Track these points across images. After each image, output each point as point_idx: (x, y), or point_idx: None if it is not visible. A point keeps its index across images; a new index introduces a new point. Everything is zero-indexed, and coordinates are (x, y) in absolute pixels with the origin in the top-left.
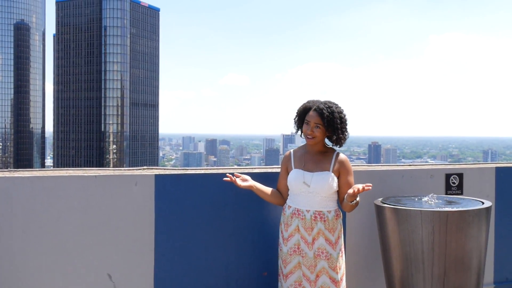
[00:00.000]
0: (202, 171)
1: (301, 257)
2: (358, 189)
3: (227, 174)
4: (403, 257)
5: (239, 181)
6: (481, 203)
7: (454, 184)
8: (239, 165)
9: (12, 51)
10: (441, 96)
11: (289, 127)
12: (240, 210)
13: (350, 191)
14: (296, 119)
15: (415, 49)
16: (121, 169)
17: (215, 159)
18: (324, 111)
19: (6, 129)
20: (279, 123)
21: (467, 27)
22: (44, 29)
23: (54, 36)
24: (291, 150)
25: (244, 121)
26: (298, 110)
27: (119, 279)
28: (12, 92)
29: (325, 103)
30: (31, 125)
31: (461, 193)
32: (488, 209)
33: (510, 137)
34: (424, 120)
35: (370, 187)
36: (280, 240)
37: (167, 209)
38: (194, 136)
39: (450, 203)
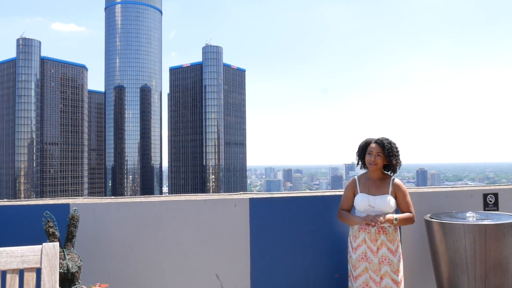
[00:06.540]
0: (285, 195)
1: (368, 263)
2: (380, 221)
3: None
4: (450, 262)
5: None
6: None
7: (490, 202)
8: (310, 189)
9: (138, 107)
10: (477, 126)
11: (350, 157)
12: (315, 225)
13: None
14: (358, 153)
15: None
16: (224, 194)
17: (291, 184)
18: (384, 142)
19: (134, 165)
20: (342, 154)
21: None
22: (161, 90)
23: (168, 94)
24: (356, 177)
25: (313, 153)
26: (360, 146)
27: (224, 278)
28: (139, 137)
29: (382, 138)
30: (152, 162)
31: (497, 209)
32: None
33: None
34: (463, 148)
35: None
36: (349, 249)
37: (259, 224)
38: (274, 167)
39: (488, 217)
